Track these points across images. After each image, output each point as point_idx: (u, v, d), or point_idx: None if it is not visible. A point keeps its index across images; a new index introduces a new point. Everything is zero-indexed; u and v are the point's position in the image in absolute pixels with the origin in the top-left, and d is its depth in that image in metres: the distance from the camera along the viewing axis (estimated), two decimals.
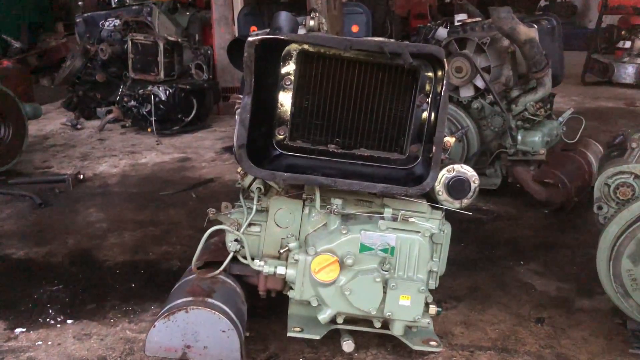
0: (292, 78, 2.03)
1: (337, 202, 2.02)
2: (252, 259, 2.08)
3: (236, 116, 2.03)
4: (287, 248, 2.06)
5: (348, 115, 2.10)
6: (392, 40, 1.96)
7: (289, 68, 2.02)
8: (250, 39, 1.89)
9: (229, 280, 2.09)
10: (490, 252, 3.12)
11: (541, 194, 3.60)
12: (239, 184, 2.34)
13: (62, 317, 2.52)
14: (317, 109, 2.10)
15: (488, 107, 3.68)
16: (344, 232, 2.00)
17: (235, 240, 2.10)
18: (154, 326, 1.84)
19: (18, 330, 2.42)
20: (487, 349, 2.26)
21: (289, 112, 2.07)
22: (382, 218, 2.02)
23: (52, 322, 2.49)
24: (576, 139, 3.91)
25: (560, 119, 3.90)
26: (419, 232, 2.01)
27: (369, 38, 1.99)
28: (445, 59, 1.91)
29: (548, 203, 3.62)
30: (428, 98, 2.04)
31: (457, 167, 2.12)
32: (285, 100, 2.06)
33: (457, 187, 2.10)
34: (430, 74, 1.98)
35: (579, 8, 12.81)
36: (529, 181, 3.61)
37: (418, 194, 1.99)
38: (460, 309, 2.55)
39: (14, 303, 2.63)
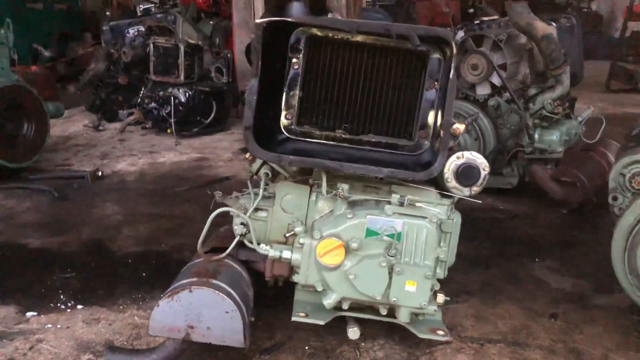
0: (300, 62, 2.03)
1: (343, 186, 2.00)
2: (258, 243, 2.07)
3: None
4: (292, 232, 2.05)
5: (356, 100, 2.09)
6: (400, 23, 1.95)
7: (297, 52, 2.02)
8: (258, 20, 1.90)
9: (235, 265, 2.09)
10: (505, 249, 3.06)
11: (559, 193, 3.53)
12: (249, 173, 2.34)
13: (72, 302, 2.54)
14: (325, 94, 2.09)
15: (504, 104, 3.64)
16: (349, 216, 1.98)
17: (242, 224, 2.10)
18: (158, 305, 1.85)
19: (29, 314, 2.45)
20: (497, 342, 2.21)
21: (297, 97, 2.07)
22: (389, 203, 2.00)
23: (63, 306, 2.51)
24: (596, 139, 3.83)
25: (580, 118, 3.83)
26: (426, 217, 1.98)
27: (377, 21, 1.98)
28: (452, 41, 1.89)
29: (566, 203, 3.54)
30: (437, 83, 2.02)
31: (466, 153, 2.09)
32: (293, 84, 2.06)
33: (466, 174, 2.06)
34: (438, 56, 1.96)
35: (605, 17, 12.65)
36: (547, 180, 3.54)
37: (425, 178, 1.97)
38: (471, 302, 2.50)
39: (27, 288, 2.67)
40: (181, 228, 3.44)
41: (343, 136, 2.09)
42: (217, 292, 1.84)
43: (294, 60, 2.03)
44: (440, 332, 2.06)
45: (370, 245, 1.97)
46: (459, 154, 2.09)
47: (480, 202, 2.12)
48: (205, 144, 5.63)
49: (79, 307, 2.51)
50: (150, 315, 1.88)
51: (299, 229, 2.04)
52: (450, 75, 1.93)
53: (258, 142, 1.97)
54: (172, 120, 5.80)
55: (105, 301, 2.55)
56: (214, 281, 1.89)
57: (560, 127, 3.63)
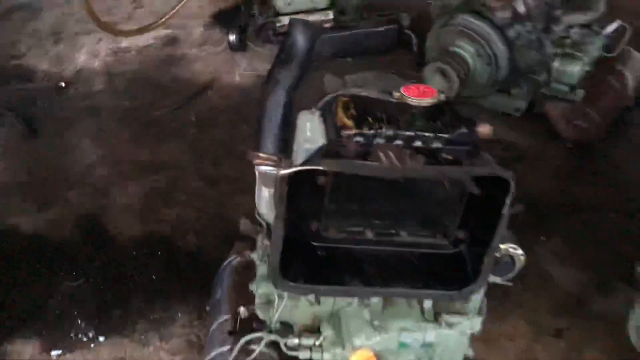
0: (328, 179, 1.73)
1: (374, 307, 1.92)
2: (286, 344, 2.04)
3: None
4: (323, 338, 2.02)
5: (388, 196, 1.86)
6: (454, 167, 1.62)
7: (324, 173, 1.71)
8: (282, 172, 1.56)
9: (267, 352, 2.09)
10: (512, 220, 3.06)
11: (569, 133, 3.39)
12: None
13: (92, 331, 2.55)
14: (353, 196, 1.84)
15: (525, 36, 3.19)
16: (381, 331, 1.94)
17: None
18: None
19: (54, 353, 2.48)
20: None
21: (324, 205, 1.82)
22: (422, 311, 1.95)
23: (85, 339, 2.53)
24: (616, 52, 3.50)
25: (604, 32, 3.42)
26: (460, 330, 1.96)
27: (427, 166, 1.63)
28: (513, 182, 1.62)
29: (577, 141, 3.43)
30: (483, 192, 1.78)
31: (503, 247, 1.97)
32: (319, 197, 1.79)
33: (504, 268, 1.98)
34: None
35: None
36: (559, 120, 3.36)
37: (463, 300, 1.90)
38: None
39: (41, 310, 2.63)
40: (175, 189, 3.27)
41: (373, 238, 1.92)
42: None
43: (321, 178, 1.73)
44: None
45: (402, 354, 1.98)
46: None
47: (512, 284, 2.08)
48: (168, 6, 4.88)
49: (101, 339, 2.53)
50: None
51: (328, 332, 2.01)
52: (504, 211, 1.69)
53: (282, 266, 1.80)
54: None
55: (124, 329, 2.56)
56: None
57: (584, 57, 3.28)
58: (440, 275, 1.91)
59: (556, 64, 3.29)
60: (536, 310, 2.68)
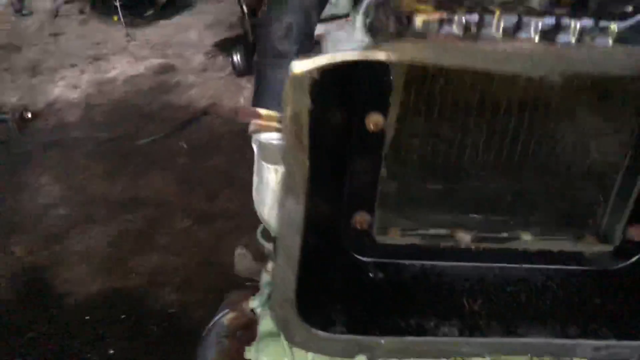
0: (386, 119, 0.87)
1: None
2: None
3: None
4: None
5: (500, 170, 0.97)
6: None
7: (380, 103, 0.85)
8: (296, 68, 0.70)
9: None
10: None
11: None
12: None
13: None
14: (435, 157, 0.96)
15: None
16: None
17: None
18: None
19: None
20: None
21: (378, 181, 0.95)
22: None
23: None
24: None
25: None
26: None
27: (611, 47, 0.77)
28: None
29: None
30: None
31: None
32: (368, 161, 0.92)
33: None
34: None
35: None
36: None
37: None
38: None
39: None
40: (154, 229, 2.41)
41: (472, 246, 1.01)
42: None
43: (374, 117, 0.87)
44: None
45: None
46: None
47: None
48: (166, 37, 4.25)
49: None
50: None
51: None
52: None
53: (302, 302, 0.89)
54: (118, 2, 4.34)
55: None
56: None
57: None
58: (602, 309, 1.01)
59: None
60: None
